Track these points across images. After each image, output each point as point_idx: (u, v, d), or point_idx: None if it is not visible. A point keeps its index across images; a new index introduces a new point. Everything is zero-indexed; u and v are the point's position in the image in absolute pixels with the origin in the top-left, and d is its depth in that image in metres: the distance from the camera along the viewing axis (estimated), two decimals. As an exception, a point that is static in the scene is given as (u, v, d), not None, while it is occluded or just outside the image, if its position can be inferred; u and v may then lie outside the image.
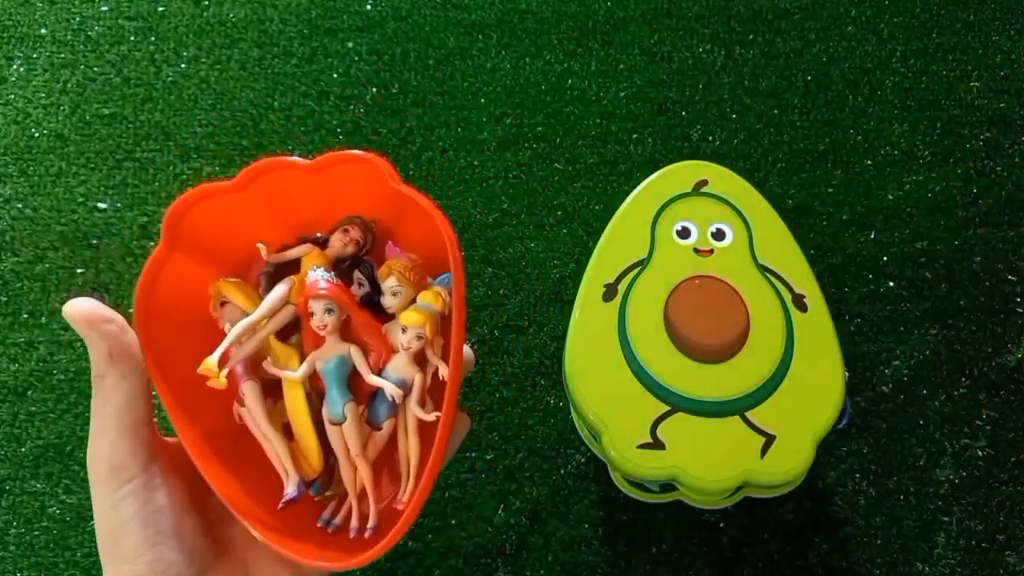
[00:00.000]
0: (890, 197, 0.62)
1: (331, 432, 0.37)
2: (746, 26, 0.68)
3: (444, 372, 0.36)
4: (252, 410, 0.37)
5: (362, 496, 0.37)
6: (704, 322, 0.47)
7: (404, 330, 0.37)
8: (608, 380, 0.46)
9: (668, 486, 0.48)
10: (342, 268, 0.39)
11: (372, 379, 0.37)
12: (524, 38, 0.67)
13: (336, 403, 0.37)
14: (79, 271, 0.59)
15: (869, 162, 0.63)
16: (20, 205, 0.62)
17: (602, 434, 0.45)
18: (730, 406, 0.45)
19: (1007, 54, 0.67)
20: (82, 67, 0.66)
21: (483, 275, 0.59)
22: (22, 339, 0.58)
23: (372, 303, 0.39)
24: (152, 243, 0.60)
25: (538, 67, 0.66)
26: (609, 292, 0.48)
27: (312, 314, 0.37)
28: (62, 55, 0.67)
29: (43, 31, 0.67)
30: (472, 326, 0.58)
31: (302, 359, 0.38)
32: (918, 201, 0.61)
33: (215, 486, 0.34)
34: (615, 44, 0.67)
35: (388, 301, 0.38)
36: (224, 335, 0.37)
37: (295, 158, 0.37)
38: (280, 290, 0.38)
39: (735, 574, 0.52)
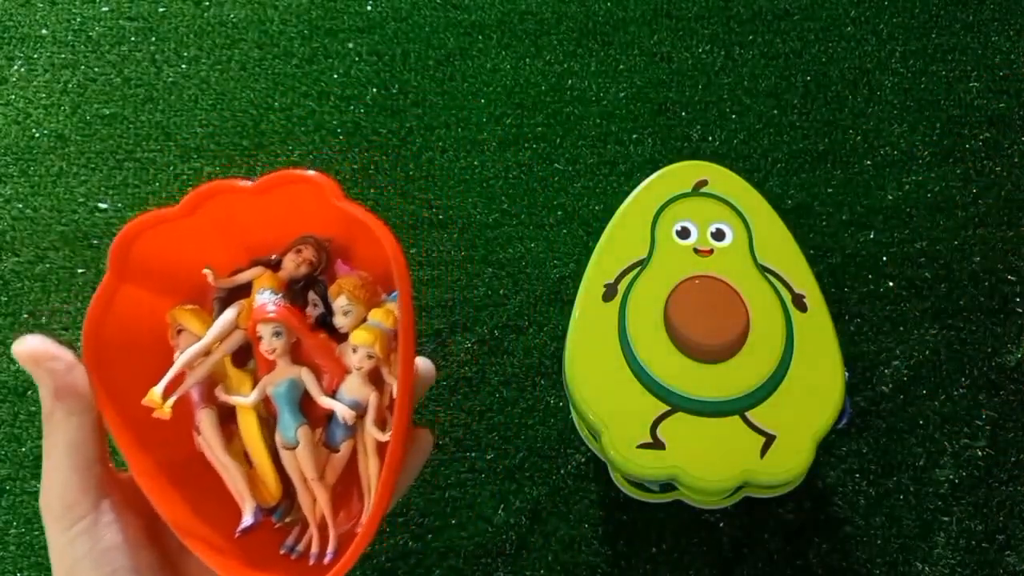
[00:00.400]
0: (889, 197, 0.62)
1: (285, 457, 0.36)
2: (746, 27, 0.68)
3: (394, 389, 0.36)
4: (208, 438, 0.36)
5: (322, 521, 0.37)
6: (704, 322, 0.47)
7: (355, 350, 0.36)
8: (608, 380, 0.46)
9: (668, 486, 0.48)
10: (296, 289, 0.39)
11: (324, 401, 0.36)
12: (524, 38, 0.67)
13: (288, 427, 0.36)
14: (80, 271, 0.60)
15: (868, 162, 0.63)
16: (21, 205, 0.62)
17: (602, 434, 0.45)
18: (730, 406, 0.45)
19: (1006, 54, 0.67)
20: (83, 67, 0.66)
21: (483, 275, 0.59)
22: (22, 339, 0.58)
23: (327, 324, 0.38)
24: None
25: (538, 67, 0.66)
26: (609, 292, 0.48)
27: (260, 338, 0.37)
28: (63, 55, 0.67)
29: (44, 31, 0.68)
30: (472, 326, 0.58)
31: (256, 384, 0.37)
32: (917, 201, 0.62)
33: (165, 516, 0.33)
34: (615, 44, 0.67)
35: (340, 320, 0.37)
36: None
37: (240, 181, 0.36)
38: (228, 315, 0.37)
39: (735, 574, 0.52)
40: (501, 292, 0.59)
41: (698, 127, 0.64)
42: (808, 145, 0.63)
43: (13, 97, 0.65)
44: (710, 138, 0.64)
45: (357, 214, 0.35)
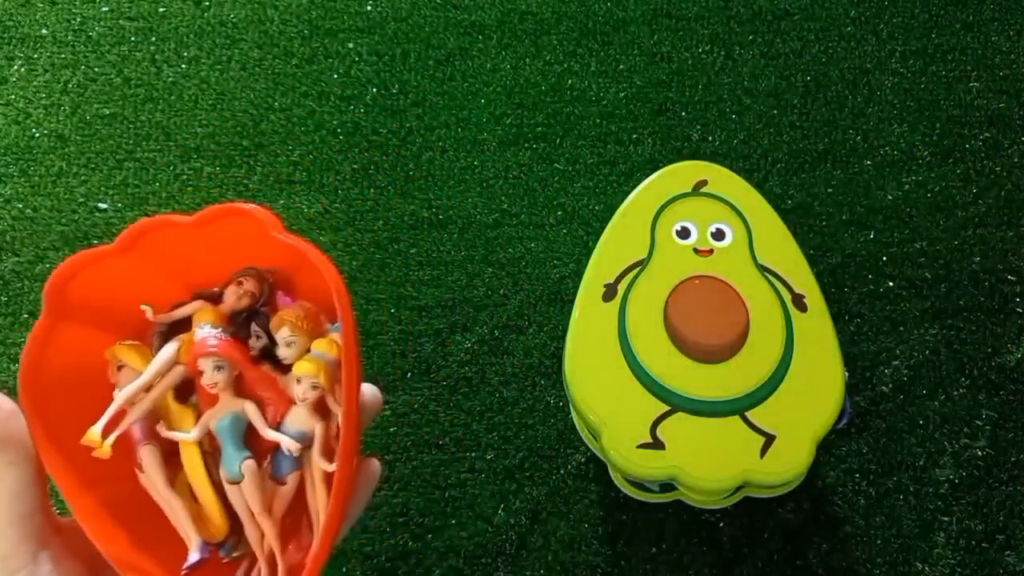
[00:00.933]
0: (889, 197, 0.62)
1: (230, 492, 0.36)
2: (746, 27, 0.68)
3: (339, 416, 0.35)
4: (151, 475, 0.36)
5: (270, 554, 0.36)
6: (704, 322, 0.47)
7: (299, 380, 0.36)
8: (608, 380, 0.46)
9: (668, 486, 0.48)
10: (239, 322, 0.38)
11: (269, 434, 0.36)
12: (524, 38, 0.67)
13: (232, 462, 0.36)
14: (79, 271, 0.60)
15: (868, 162, 0.63)
16: (21, 205, 0.62)
17: (602, 434, 0.45)
18: (730, 406, 0.45)
19: (1006, 54, 0.67)
20: (83, 67, 0.66)
21: (483, 275, 0.59)
22: (22, 339, 0.58)
23: (271, 355, 0.38)
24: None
25: (538, 67, 0.66)
26: (609, 292, 0.48)
27: (202, 372, 0.36)
28: (63, 56, 0.67)
29: (44, 32, 0.68)
30: (472, 326, 0.58)
31: (198, 419, 0.37)
32: (917, 201, 0.62)
33: (109, 556, 0.33)
34: (615, 44, 0.67)
35: (283, 352, 0.37)
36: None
37: (176, 216, 0.36)
38: (168, 350, 0.37)
39: (735, 574, 0.52)
40: (501, 292, 0.59)
41: (698, 127, 0.64)
42: (808, 145, 0.63)
43: (13, 97, 0.65)
44: (710, 138, 0.64)
45: (298, 245, 0.34)
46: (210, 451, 0.37)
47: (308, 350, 0.37)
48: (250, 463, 0.36)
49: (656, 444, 0.44)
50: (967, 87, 0.65)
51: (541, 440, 0.55)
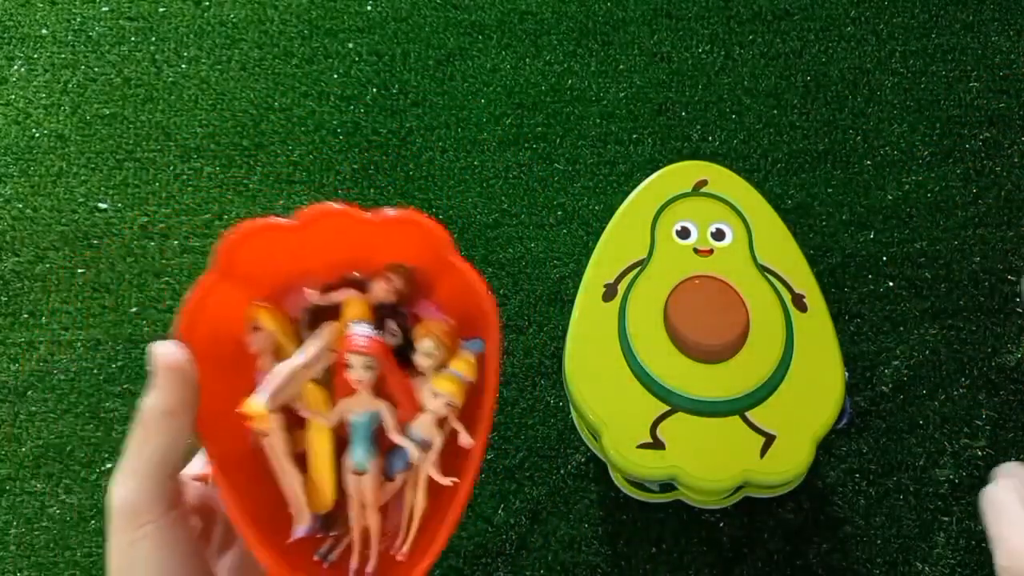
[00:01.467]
0: (889, 197, 0.62)
1: (350, 480, 0.38)
2: (746, 26, 0.68)
3: (467, 441, 0.37)
4: (275, 444, 0.38)
5: (364, 540, 0.39)
6: (704, 322, 0.47)
7: (436, 395, 0.38)
8: (608, 380, 0.46)
9: (668, 486, 0.48)
10: (379, 316, 0.40)
11: (398, 439, 0.38)
12: (524, 38, 0.67)
13: (361, 456, 0.38)
14: (80, 271, 0.60)
15: (868, 162, 0.63)
16: (21, 205, 0.62)
17: (602, 434, 0.45)
18: (730, 406, 0.45)
19: (1006, 54, 0.67)
20: (83, 67, 0.66)
21: (483, 275, 0.59)
22: (22, 339, 0.58)
23: (402, 355, 0.39)
24: (152, 243, 0.60)
25: (538, 67, 0.66)
26: (609, 292, 0.48)
27: (350, 367, 0.38)
28: (63, 55, 0.67)
29: (44, 31, 0.68)
30: (472, 326, 0.58)
31: (330, 401, 0.39)
32: (917, 201, 0.62)
33: (237, 512, 0.35)
34: (615, 44, 0.67)
35: (421, 361, 0.39)
36: (252, 358, 0.38)
37: (357, 210, 0.38)
38: (323, 335, 0.39)
39: (735, 574, 0.52)
40: (501, 292, 0.59)
41: (698, 127, 0.64)
42: (808, 145, 0.63)
43: (13, 97, 0.65)
44: (710, 138, 0.64)
45: (465, 271, 0.37)
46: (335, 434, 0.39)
47: (442, 364, 0.39)
48: (377, 461, 0.38)
49: (656, 444, 0.44)
50: (967, 87, 0.65)
51: (541, 440, 0.55)
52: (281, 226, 0.37)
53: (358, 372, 0.38)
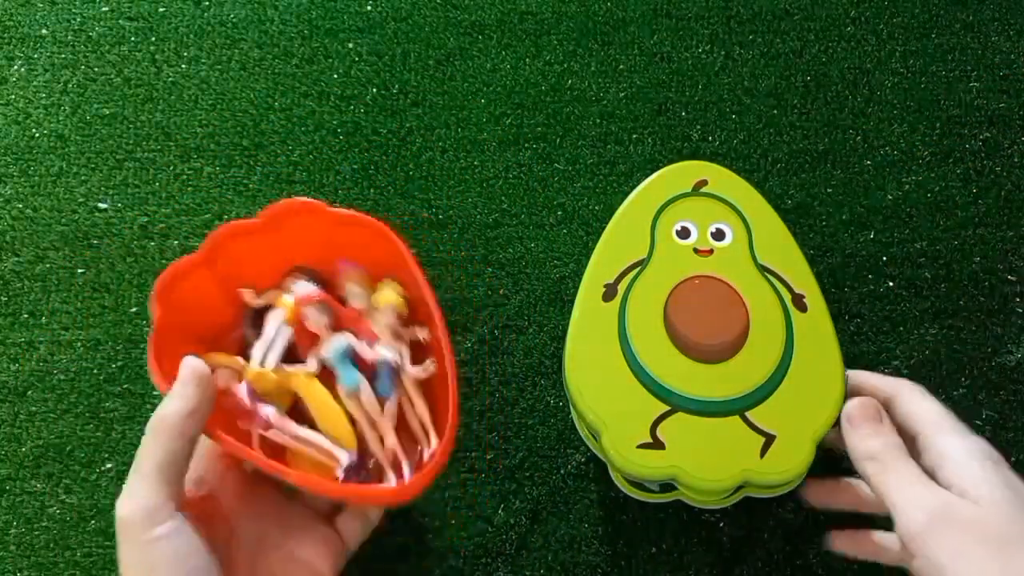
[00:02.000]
0: (889, 197, 0.62)
1: (350, 405, 0.43)
2: (746, 26, 0.68)
3: (424, 335, 0.44)
4: (283, 424, 0.42)
5: (395, 463, 0.43)
6: (704, 322, 0.47)
7: (379, 309, 0.44)
8: (608, 380, 0.46)
9: (668, 486, 0.48)
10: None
11: (371, 354, 0.43)
12: (524, 38, 0.67)
13: (349, 377, 0.42)
14: (79, 271, 0.60)
15: (868, 162, 0.63)
16: (21, 205, 0.62)
17: (602, 434, 0.45)
18: (730, 406, 0.45)
19: (1006, 54, 0.67)
20: (83, 67, 0.66)
21: (483, 275, 0.59)
22: (22, 339, 0.58)
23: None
24: (152, 243, 0.60)
25: (538, 67, 0.66)
26: (609, 292, 0.48)
27: (306, 319, 0.44)
28: (63, 55, 0.67)
29: (44, 31, 0.68)
30: (472, 326, 0.58)
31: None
32: (917, 201, 0.62)
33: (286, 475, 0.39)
34: (615, 44, 0.67)
35: (355, 302, 0.45)
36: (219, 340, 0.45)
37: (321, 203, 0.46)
38: (276, 315, 0.44)
39: (735, 574, 0.52)
40: (501, 292, 0.59)
41: (698, 127, 0.64)
42: (808, 145, 0.64)
43: (13, 97, 0.65)
44: (710, 138, 0.64)
45: (356, 218, 0.46)
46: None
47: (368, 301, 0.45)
48: (362, 376, 0.43)
49: (656, 444, 0.44)
50: (967, 87, 0.65)
51: (541, 440, 0.55)
52: (252, 226, 0.44)
53: (315, 318, 0.44)
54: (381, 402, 0.43)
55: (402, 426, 0.44)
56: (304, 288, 0.44)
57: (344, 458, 0.41)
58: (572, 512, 0.53)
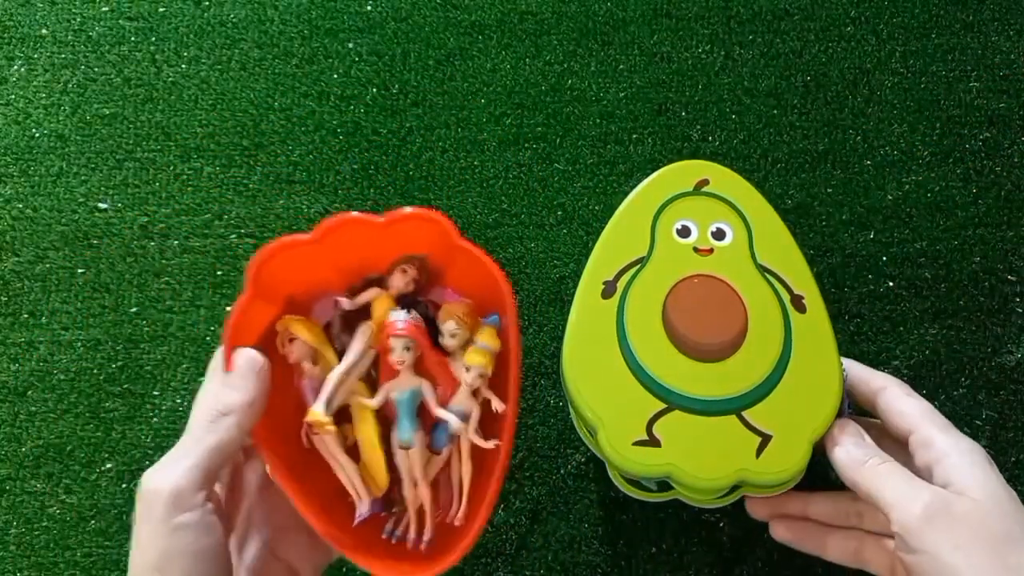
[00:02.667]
0: (889, 197, 0.62)
1: (399, 455, 0.42)
2: (746, 26, 0.68)
3: (499, 406, 0.41)
4: (328, 441, 0.41)
5: (419, 513, 0.42)
6: (702, 321, 0.47)
7: (468, 368, 0.42)
8: (605, 377, 0.46)
9: (665, 484, 0.48)
10: (401, 307, 0.43)
11: (439, 412, 0.42)
12: (524, 38, 0.67)
13: (407, 430, 0.42)
14: (80, 271, 0.60)
15: (868, 162, 0.63)
16: (20, 205, 0.62)
17: (598, 430, 0.45)
18: (726, 405, 0.45)
19: (1006, 54, 0.67)
20: (83, 67, 0.66)
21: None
22: (22, 339, 0.58)
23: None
24: (152, 243, 0.60)
25: (538, 67, 0.66)
26: (608, 289, 0.48)
27: (392, 350, 0.42)
28: (63, 55, 0.67)
29: (44, 31, 0.68)
30: (471, 326, 0.58)
31: (374, 390, 0.43)
32: (917, 201, 0.62)
33: (301, 506, 0.39)
34: (615, 44, 0.67)
35: (447, 342, 0.43)
36: (292, 367, 0.42)
37: (369, 216, 0.41)
38: (362, 337, 0.42)
39: (735, 574, 0.52)
40: (500, 292, 0.59)
41: (698, 127, 0.64)
42: (808, 145, 0.63)
43: (13, 97, 0.65)
44: (710, 138, 0.64)
45: (472, 251, 0.41)
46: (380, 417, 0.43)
47: (467, 341, 0.43)
48: (422, 434, 0.42)
49: (652, 441, 0.44)
50: (967, 87, 0.65)
51: (541, 440, 0.55)
52: (301, 241, 0.41)
53: (399, 353, 0.42)
54: (432, 452, 0.42)
55: (444, 482, 0.43)
56: (397, 317, 0.42)
57: (363, 508, 0.41)
58: (572, 512, 0.53)
